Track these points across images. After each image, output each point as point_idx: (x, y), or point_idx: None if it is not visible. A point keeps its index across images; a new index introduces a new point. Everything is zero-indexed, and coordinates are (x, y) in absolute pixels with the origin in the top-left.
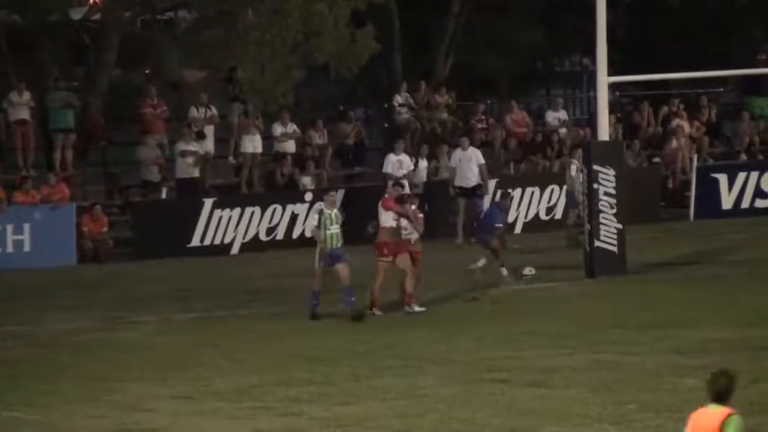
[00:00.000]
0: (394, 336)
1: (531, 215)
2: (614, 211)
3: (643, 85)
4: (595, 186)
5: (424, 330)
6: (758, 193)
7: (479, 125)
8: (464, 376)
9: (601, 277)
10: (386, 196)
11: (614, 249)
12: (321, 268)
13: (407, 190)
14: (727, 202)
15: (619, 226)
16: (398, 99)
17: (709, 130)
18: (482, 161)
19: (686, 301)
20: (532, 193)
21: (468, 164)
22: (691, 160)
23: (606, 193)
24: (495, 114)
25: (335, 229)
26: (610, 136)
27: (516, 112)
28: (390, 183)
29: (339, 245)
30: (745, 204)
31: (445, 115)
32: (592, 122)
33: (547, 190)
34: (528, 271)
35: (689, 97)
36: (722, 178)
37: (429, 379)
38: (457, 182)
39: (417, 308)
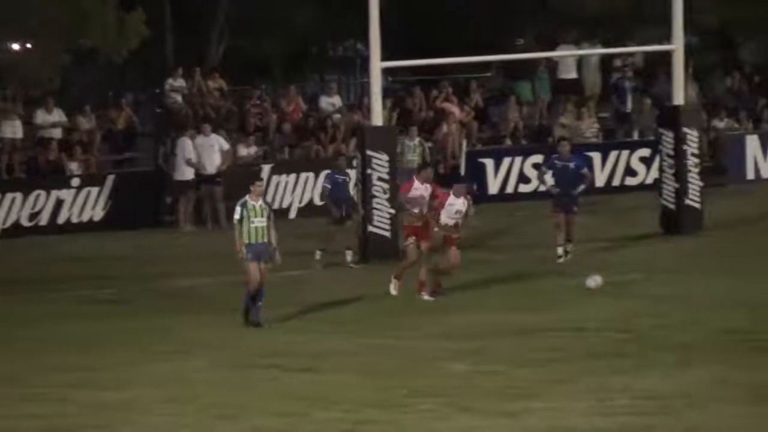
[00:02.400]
0: (166, 321)
1: (305, 200)
2: (387, 196)
3: (415, 71)
4: (369, 171)
5: (196, 315)
6: (522, 178)
7: (254, 110)
8: (236, 361)
9: (374, 262)
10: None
11: (387, 234)
12: (252, 263)
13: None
14: (493, 186)
15: (393, 211)
16: (170, 84)
17: (477, 115)
18: (226, 147)
19: (455, 286)
20: (307, 178)
21: (209, 150)
22: (460, 145)
23: (380, 179)
24: (270, 98)
25: (260, 222)
26: (384, 122)
27: (291, 97)
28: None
29: (263, 240)
30: (509, 189)
31: (214, 100)
32: (365, 107)
33: (322, 176)
34: (593, 282)
35: (459, 82)
36: (489, 163)
37: (200, 364)
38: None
39: (426, 297)
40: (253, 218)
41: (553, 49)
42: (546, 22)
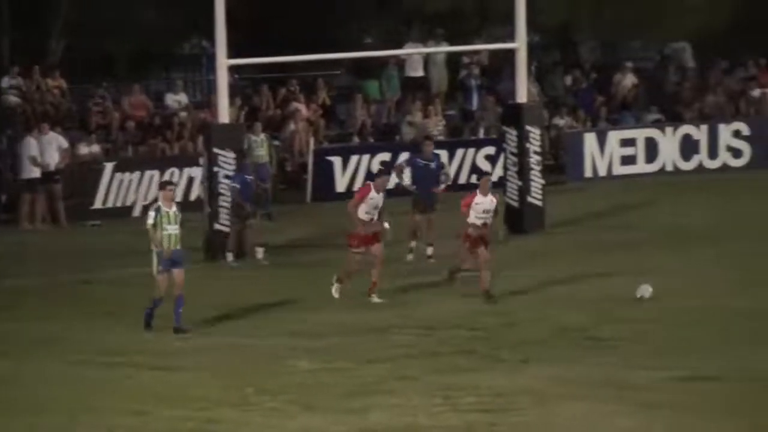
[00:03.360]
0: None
1: (150, 198)
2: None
3: (263, 68)
4: (216, 169)
5: (39, 313)
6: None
7: (95, 108)
8: (77, 357)
9: (221, 260)
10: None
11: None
12: (161, 273)
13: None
14: (341, 184)
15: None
16: (6, 82)
17: (325, 112)
18: (65, 145)
19: (304, 284)
20: (152, 176)
21: (48, 149)
22: (307, 142)
23: (227, 176)
24: (112, 97)
25: (174, 229)
26: (231, 119)
27: (135, 95)
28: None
29: (178, 246)
30: (357, 187)
31: (53, 99)
32: (211, 105)
33: (167, 174)
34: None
35: (306, 80)
36: (337, 161)
37: (45, 363)
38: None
39: (376, 299)
40: (166, 225)
41: (400, 47)
42: (393, 19)
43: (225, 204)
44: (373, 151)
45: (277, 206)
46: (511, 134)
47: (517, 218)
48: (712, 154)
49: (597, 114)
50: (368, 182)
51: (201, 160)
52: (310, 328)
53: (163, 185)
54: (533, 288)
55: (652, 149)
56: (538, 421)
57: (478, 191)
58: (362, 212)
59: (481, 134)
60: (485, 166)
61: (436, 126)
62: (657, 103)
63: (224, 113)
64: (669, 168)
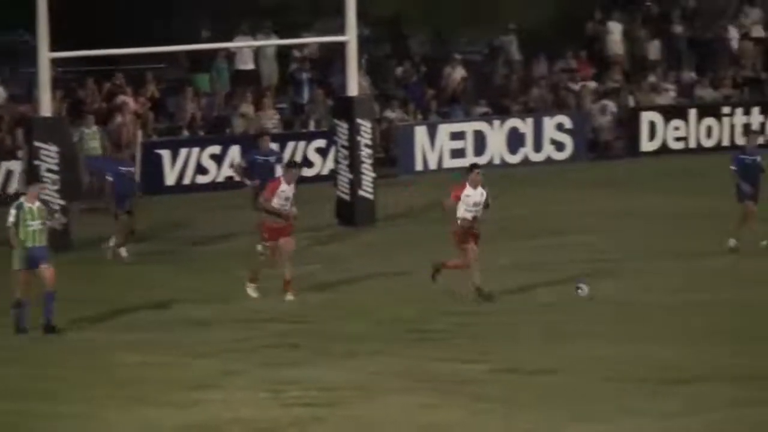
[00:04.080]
0: None
1: None
2: (57, 187)
3: (89, 61)
4: (37, 162)
5: None
6: (199, 169)
7: None
8: None
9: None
10: None
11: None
12: (23, 271)
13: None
14: (170, 178)
15: (62, 202)
16: None
17: (153, 105)
18: None
19: (124, 280)
20: None
21: None
22: (135, 135)
23: (48, 170)
24: None
25: (37, 225)
26: (54, 113)
27: None
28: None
29: (41, 244)
30: (187, 180)
31: None
32: (32, 98)
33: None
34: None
35: (134, 73)
36: (166, 154)
37: None
38: None
39: (290, 297)
40: (30, 221)
41: (229, 39)
42: (223, 12)
43: (49, 197)
44: (203, 144)
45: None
46: (342, 127)
47: (348, 211)
48: (537, 147)
49: (427, 107)
50: (278, 176)
51: (20, 154)
52: (135, 322)
53: (30, 182)
54: (364, 281)
55: (480, 142)
56: (364, 415)
57: (467, 183)
58: (275, 205)
59: (312, 127)
60: (316, 159)
61: (271, 119)
62: (485, 96)
63: (46, 107)
64: (497, 161)
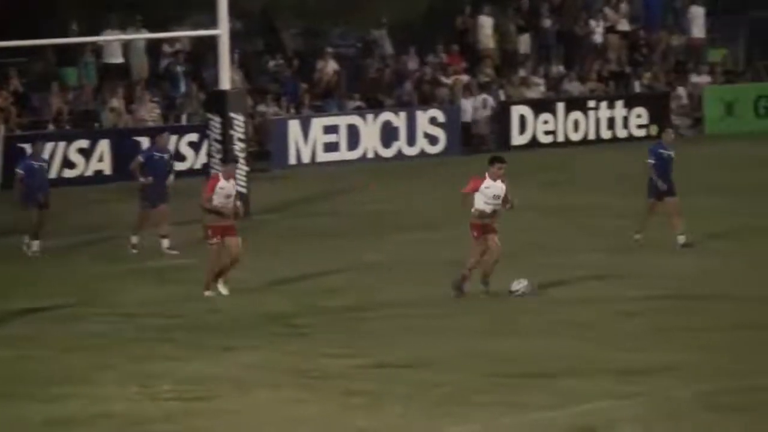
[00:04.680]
0: None
1: None
2: None
3: None
4: None
5: None
6: (66, 163)
7: None
8: None
9: None
10: None
11: None
12: None
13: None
14: None
15: None
16: None
17: (16, 100)
18: None
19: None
20: None
21: None
22: None
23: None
24: None
25: None
26: None
27: None
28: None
29: None
30: (53, 174)
31: None
32: None
33: None
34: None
35: None
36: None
37: None
38: None
39: (209, 292)
40: None
41: (98, 33)
42: (90, 6)
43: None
44: (69, 138)
45: None
46: (215, 121)
47: None
48: (411, 140)
49: (301, 101)
50: (215, 172)
51: None
52: (7, 317)
53: None
54: (238, 274)
55: (354, 136)
56: (235, 409)
57: (488, 175)
58: (216, 203)
59: (185, 121)
60: (188, 153)
61: (150, 113)
62: (358, 90)
63: None
64: (370, 155)
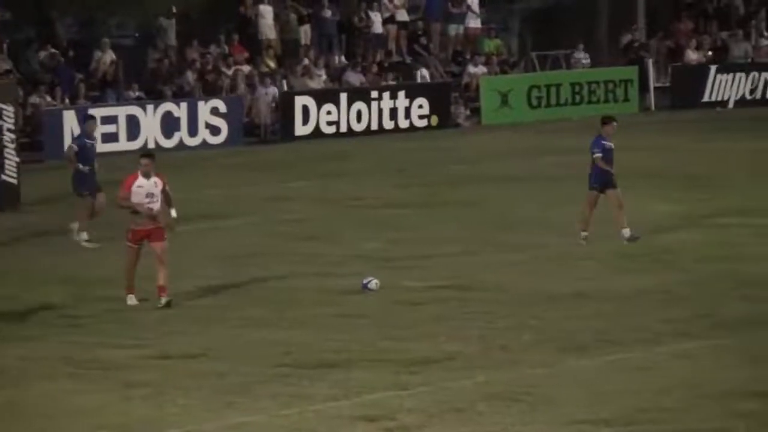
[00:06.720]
0: None
1: None
2: None
3: None
4: None
5: None
6: None
7: None
8: None
9: None
10: None
11: None
12: None
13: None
14: None
15: None
16: None
17: None
18: None
19: None
20: None
21: None
22: None
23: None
24: None
25: None
26: None
27: None
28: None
29: None
30: None
31: None
32: None
33: None
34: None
35: None
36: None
37: None
38: None
39: (164, 302)
40: None
41: None
42: None
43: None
44: None
45: None
46: None
47: None
48: (192, 131)
49: (76, 92)
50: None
51: None
52: None
53: None
54: (11, 266)
55: (134, 127)
56: (11, 401)
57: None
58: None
59: None
60: None
61: None
62: (138, 80)
63: None
64: (151, 145)
